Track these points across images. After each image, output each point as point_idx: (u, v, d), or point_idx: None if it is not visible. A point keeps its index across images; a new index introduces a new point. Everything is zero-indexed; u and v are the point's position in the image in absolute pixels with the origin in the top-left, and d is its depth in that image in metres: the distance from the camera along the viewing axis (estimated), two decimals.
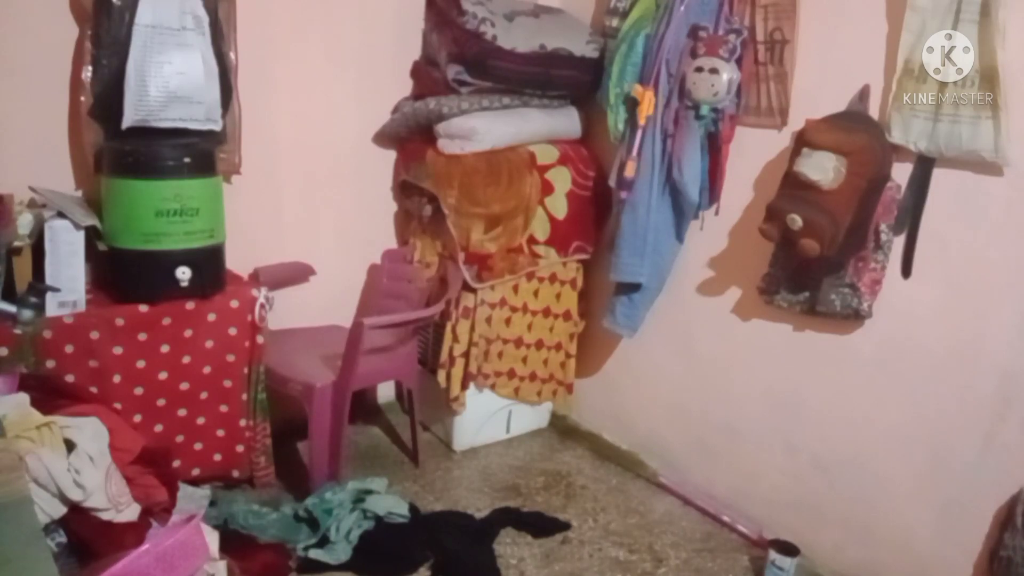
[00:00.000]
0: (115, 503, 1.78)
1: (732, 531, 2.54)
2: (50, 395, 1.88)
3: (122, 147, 2.10)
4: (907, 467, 2.11)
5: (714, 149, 2.40)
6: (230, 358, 2.28)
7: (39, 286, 1.94)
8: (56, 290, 1.97)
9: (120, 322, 2.08)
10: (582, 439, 3.07)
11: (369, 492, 2.39)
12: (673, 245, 2.55)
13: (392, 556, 2.22)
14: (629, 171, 2.48)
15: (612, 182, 2.60)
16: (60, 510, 1.68)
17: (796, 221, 2.00)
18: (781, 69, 2.26)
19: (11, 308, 1.89)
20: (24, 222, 1.99)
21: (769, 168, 2.31)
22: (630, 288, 2.60)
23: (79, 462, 1.72)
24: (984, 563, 1.95)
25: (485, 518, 2.47)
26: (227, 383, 2.29)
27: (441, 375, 2.76)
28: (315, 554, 2.18)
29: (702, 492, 2.67)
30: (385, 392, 3.21)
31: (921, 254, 2.03)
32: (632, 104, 2.49)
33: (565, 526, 2.48)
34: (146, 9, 2.09)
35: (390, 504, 2.37)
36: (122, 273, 2.14)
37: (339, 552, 2.19)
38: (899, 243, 2.06)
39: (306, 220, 2.78)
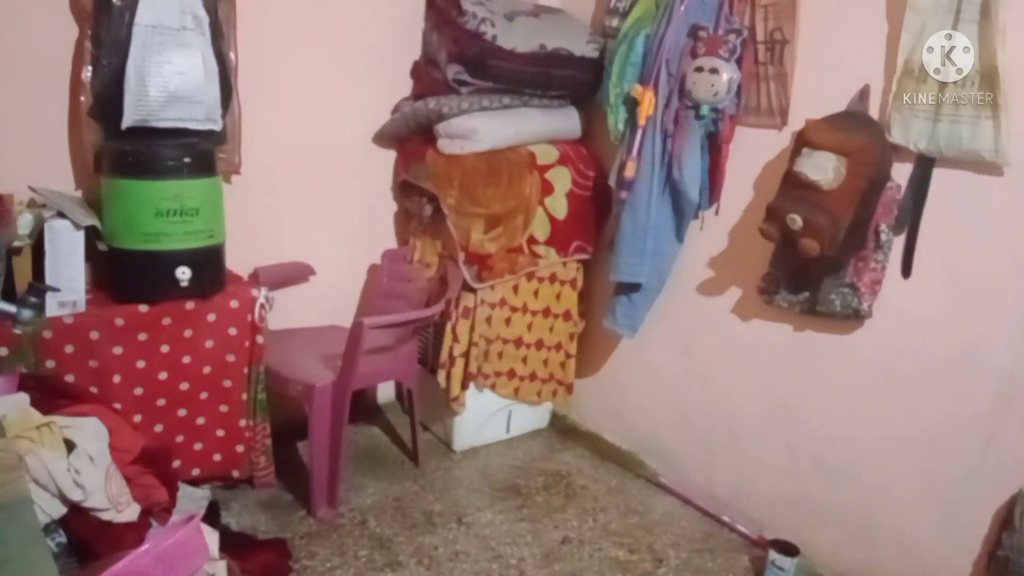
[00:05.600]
0: (115, 503, 1.78)
1: (732, 531, 2.54)
2: (50, 395, 1.88)
3: (122, 147, 2.10)
4: (907, 467, 2.11)
5: (714, 149, 2.40)
6: (230, 358, 2.28)
7: (39, 286, 1.94)
8: (56, 290, 1.97)
9: (120, 322, 2.08)
10: (582, 439, 3.06)
11: None
12: (673, 245, 2.55)
13: None
14: (629, 171, 2.48)
15: (612, 182, 2.60)
16: (60, 510, 1.68)
17: (796, 221, 1.99)
18: (781, 69, 2.26)
19: (11, 308, 1.89)
20: (24, 222, 1.99)
21: (769, 168, 2.31)
22: (630, 288, 2.60)
23: (79, 462, 1.72)
24: (984, 563, 1.95)
25: None
26: (227, 383, 2.29)
27: (441, 375, 2.75)
28: None
29: (702, 492, 2.66)
30: (385, 392, 3.21)
31: (921, 254, 2.03)
32: (632, 104, 2.49)
33: None
34: (146, 9, 2.09)
35: None
36: (122, 273, 2.14)
37: None
38: (899, 243, 2.06)
39: (306, 220, 2.78)
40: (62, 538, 1.68)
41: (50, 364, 1.99)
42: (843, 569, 2.28)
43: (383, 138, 2.87)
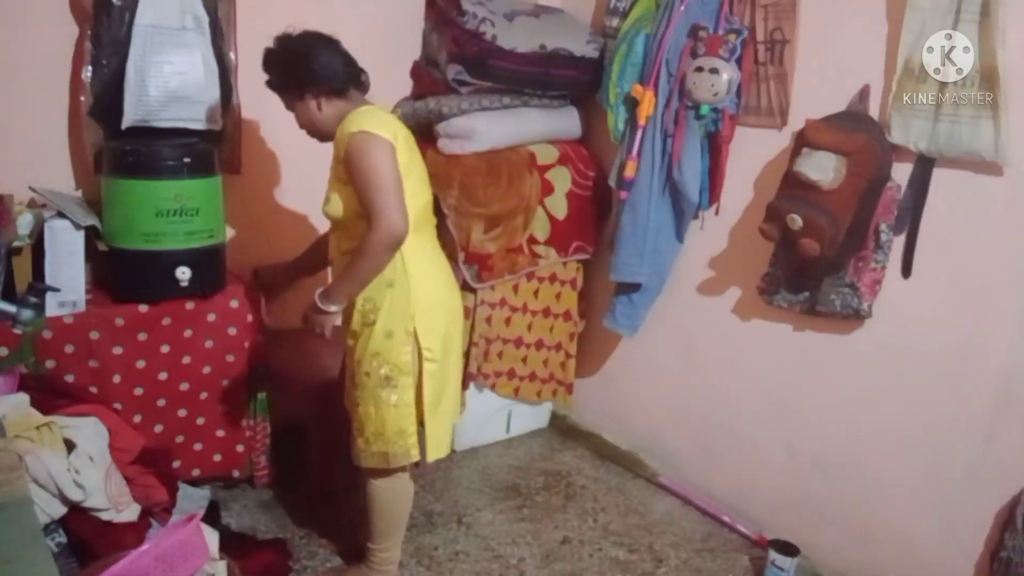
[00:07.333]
0: (115, 503, 1.78)
1: (732, 531, 2.54)
2: (50, 395, 1.88)
3: (122, 147, 2.10)
4: (907, 467, 2.11)
5: (714, 149, 2.40)
6: (230, 358, 2.28)
7: (39, 286, 1.94)
8: (56, 290, 1.97)
9: (120, 322, 2.08)
10: (582, 439, 3.06)
11: None
12: (673, 245, 2.55)
13: None
14: (629, 171, 2.48)
15: (612, 182, 2.60)
16: (60, 510, 1.68)
17: (796, 221, 2.00)
18: (781, 69, 2.26)
19: (11, 308, 1.89)
20: (24, 222, 2.00)
21: (769, 168, 2.31)
22: (630, 288, 2.60)
23: (79, 462, 1.72)
24: (985, 564, 1.95)
25: None
26: (227, 383, 2.29)
27: None
28: None
29: (702, 492, 2.66)
30: None
31: (921, 254, 2.03)
32: (632, 104, 2.49)
33: None
34: (146, 9, 2.09)
35: None
36: (122, 273, 2.14)
37: None
38: (899, 243, 2.06)
39: (306, 220, 2.78)
40: (62, 538, 1.69)
41: (50, 364, 2.00)
42: (843, 569, 2.28)
43: None
